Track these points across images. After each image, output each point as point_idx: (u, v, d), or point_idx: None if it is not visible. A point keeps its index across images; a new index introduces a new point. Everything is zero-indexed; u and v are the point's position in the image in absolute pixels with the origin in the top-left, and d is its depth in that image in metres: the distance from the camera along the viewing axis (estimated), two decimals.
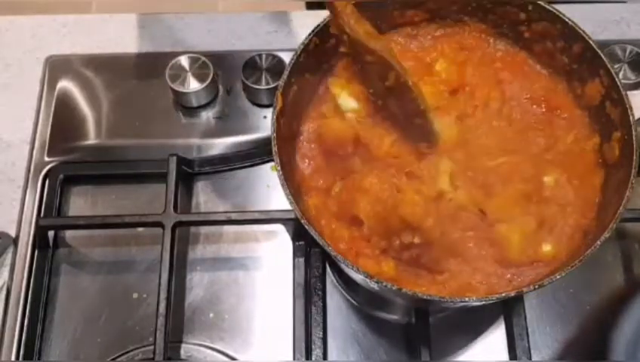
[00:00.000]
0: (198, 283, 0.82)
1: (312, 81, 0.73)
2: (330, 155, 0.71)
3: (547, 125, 0.73)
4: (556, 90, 0.74)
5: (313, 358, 0.75)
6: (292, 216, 0.71)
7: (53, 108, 0.89)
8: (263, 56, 0.88)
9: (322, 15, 0.69)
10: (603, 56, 0.68)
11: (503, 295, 0.62)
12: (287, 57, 0.71)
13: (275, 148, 0.65)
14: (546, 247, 0.68)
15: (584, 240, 0.67)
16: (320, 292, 0.78)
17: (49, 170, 0.86)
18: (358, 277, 0.67)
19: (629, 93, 0.66)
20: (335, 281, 0.81)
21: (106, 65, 0.92)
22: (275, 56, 0.88)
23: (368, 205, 0.67)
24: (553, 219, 0.69)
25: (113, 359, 0.77)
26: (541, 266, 0.67)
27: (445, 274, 0.67)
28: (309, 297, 0.78)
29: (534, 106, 0.73)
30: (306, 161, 0.72)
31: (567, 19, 0.70)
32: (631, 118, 0.65)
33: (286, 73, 0.68)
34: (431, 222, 0.66)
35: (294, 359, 0.74)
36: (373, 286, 0.64)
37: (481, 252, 0.68)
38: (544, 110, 0.73)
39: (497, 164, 0.70)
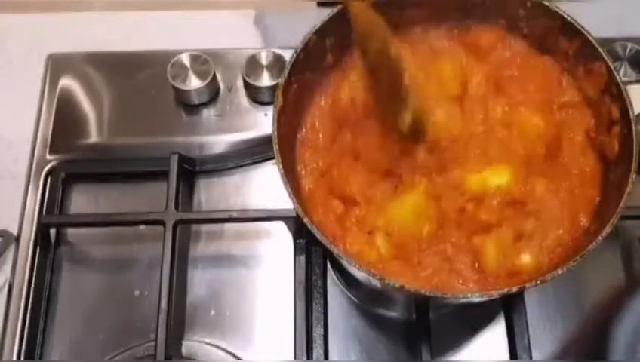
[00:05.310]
0: (199, 281, 0.82)
1: (313, 79, 0.73)
2: (340, 124, 0.72)
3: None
4: (555, 86, 0.74)
5: (314, 356, 0.75)
6: (293, 213, 0.72)
7: (54, 106, 0.89)
8: (264, 54, 0.88)
9: (323, 13, 0.70)
10: (601, 51, 0.68)
11: (505, 290, 0.61)
12: (287, 55, 0.70)
13: (276, 147, 0.65)
14: (525, 258, 0.66)
15: (567, 254, 0.66)
16: (321, 290, 0.78)
17: (51, 168, 0.86)
18: (359, 275, 0.67)
19: (628, 87, 0.66)
20: (336, 279, 0.81)
21: (107, 63, 0.92)
22: (275, 54, 0.88)
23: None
24: (532, 233, 0.67)
25: (115, 356, 0.77)
26: (523, 277, 0.66)
27: (429, 269, 0.67)
28: (310, 295, 0.78)
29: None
30: (310, 143, 0.72)
31: (565, 15, 0.70)
32: (631, 113, 0.66)
33: (286, 71, 0.68)
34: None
35: (295, 356, 0.74)
36: (375, 283, 0.64)
37: (462, 258, 0.67)
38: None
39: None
